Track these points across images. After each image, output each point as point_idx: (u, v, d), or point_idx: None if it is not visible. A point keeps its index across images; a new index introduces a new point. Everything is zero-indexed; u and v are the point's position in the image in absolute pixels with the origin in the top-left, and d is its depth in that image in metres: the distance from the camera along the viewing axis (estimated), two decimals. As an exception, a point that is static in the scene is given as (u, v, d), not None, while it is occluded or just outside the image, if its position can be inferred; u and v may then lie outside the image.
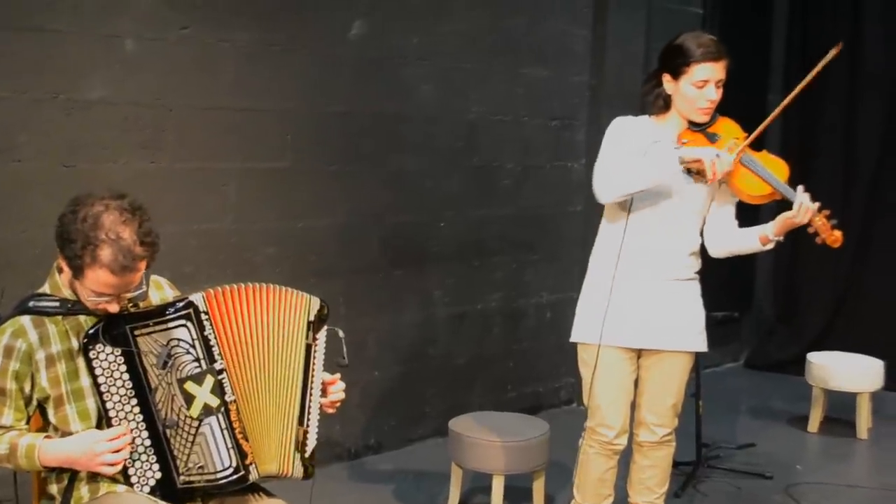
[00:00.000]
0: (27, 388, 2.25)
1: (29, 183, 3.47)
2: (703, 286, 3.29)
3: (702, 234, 3.24)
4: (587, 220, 5.05)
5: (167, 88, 3.80)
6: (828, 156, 6.50)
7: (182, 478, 2.28)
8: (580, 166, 5.43)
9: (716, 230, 3.22)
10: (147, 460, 2.28)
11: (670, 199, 3.13)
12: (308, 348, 2.43)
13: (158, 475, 2.28)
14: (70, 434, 2.26)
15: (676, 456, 3.46)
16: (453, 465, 3.95)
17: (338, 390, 2.54)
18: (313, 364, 2.44)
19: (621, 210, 3.17)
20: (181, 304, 2.26)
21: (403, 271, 4.71)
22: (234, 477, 2.29)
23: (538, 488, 3.90)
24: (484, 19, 4.91)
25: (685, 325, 3.22)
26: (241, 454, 2.29)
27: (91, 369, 2.24)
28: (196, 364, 2.26)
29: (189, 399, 2.26)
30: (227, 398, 2.29)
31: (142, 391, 2.25)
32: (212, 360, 2.27)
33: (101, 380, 2.24)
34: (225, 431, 2.28)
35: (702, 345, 3.28)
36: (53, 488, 2.33)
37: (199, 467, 2.28)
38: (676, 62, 3.06)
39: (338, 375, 2.55)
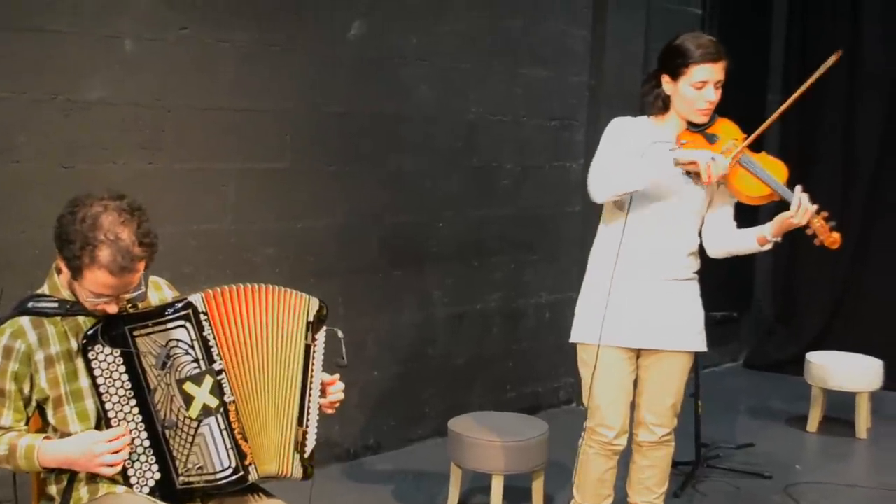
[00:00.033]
0: (26, 389, 2.25)
1: (28, 183, 3.47)
2: (702, 286, 3.29)
3: (700, 235, 3.24)
4: (586, 220, 5.05)
5: (166, 89, 3.80)
6: (827, 156, 6.50)
7: (181, 478, 2.28)
8: (579, 166, 5.43)
9: (714, 231, 3.22)
10: (146, 461, 2.28)
11: (669, 200, 3.13)
12: (307, 349, 2.43)
13: (158, 476, 2.28)
14: (69, 435, 2.26)
15: (676, 456, 3.46)
16: (452, 465, 3.95)
17: (337, 391, 2.54)
18: (312, 364, 2.44)
19: (620, 210, 3.17)
20: (180, 305, 2.26)
21: (402, 271, 4.71)
22: (234, 477, 2.29)
23: (537, 488, 3.90)
24: (483, 19, 4.91)
25: (684, 325, 3.22)
26: (241, 455, 2.29)
27: (90, 370, 2.24)
28: (195, 365, 2.26)
29: (188, 400, 2.26)
30: (226, 399, 2.29)
31: (141, 392, 2.25)
32: (211, 360, 2.27)
33: (100, 381, 2.24)
34: (224, 432, 2.28)
35: (701, 345, 3.28)
36: (53, 489, 2.32)
37: (199, 468, 2.28)
38: (675, 63, 3.06)
39: (337, 376, 2.55)
